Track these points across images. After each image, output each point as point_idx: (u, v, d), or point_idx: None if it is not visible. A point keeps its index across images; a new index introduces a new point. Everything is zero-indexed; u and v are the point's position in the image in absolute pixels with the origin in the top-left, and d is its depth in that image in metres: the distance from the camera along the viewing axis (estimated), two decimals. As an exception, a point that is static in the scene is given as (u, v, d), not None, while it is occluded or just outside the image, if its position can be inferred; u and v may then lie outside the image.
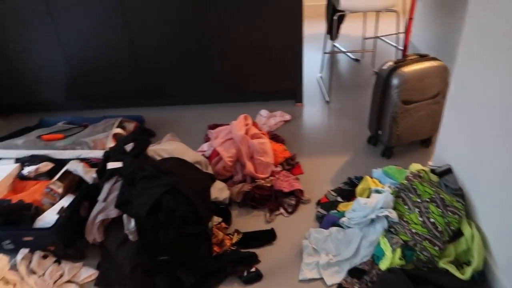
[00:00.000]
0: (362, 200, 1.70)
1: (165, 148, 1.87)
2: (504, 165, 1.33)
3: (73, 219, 1.74)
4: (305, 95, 2.81)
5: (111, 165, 1.73)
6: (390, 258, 1.50)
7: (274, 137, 2.38)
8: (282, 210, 1.92)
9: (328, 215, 1.83)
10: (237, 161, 2.06)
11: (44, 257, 1.70)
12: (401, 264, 1.50)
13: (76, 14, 2.37)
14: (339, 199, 1.93)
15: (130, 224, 1.60)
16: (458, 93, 1.65)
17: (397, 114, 2.00)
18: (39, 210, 1.78)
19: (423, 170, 1.69)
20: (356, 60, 3.34)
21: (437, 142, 1.87)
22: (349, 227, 1.70)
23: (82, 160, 2.04)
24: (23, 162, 2.08)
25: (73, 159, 2.07)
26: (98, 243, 1.73)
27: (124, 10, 2.36)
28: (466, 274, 1.43)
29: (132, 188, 1.62)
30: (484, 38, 1.41)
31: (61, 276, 1.65)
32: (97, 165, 1.93)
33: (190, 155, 1.90)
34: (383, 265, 1.52)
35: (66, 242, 1.71)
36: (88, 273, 1.67)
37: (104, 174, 1.75)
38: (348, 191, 1.96)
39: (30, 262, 1.68)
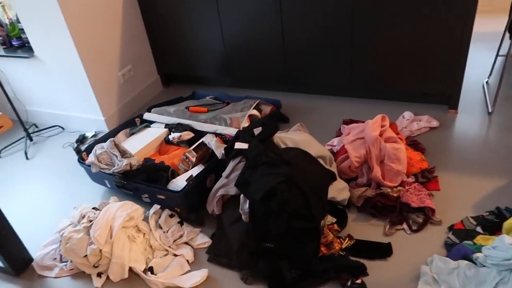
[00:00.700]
0: (508, 239, 1.41)
1: (291, 137, 1.86)
2: None
3: (199, 188, 1.89)
4: (462, 101, 2.45)
5: (238, 145, 1.80)
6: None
7: (413, 143, 2.14)
8: (405, 226, 1.73)
9: (460, 245, 1.58)
10: (365, 163, 1.93)
11: (171, 216, 1.90)
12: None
13: (239, 1, 2.51)
14: (478, 229, 1.65)
15: (245, 205, 1.65)
16: None
17: None
18: (175, 173, 1.99)
19: None
20: (541, 66, 2.75)
21: None
22: (483, 265, 1.44)
23: (217, 135, 2.19)
24: (170, 128, 2.35)
25: (210, 132, 2.23)
26: (216, 215, 1.84)
27: (280, -2, 2.40)
28: None
29: (252, 171, 1.67)
30: None
31: (180, 236, 1.82)
32: (229, 142, 2.04)
33: (315, 148, 1.84)
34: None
35: (190, 207, 1.87)
36: (203, 240, 1.81)
37: (230, 153, 1.83)
38: (492, 223, 1.66)
39: (159, 217, 1.90)
